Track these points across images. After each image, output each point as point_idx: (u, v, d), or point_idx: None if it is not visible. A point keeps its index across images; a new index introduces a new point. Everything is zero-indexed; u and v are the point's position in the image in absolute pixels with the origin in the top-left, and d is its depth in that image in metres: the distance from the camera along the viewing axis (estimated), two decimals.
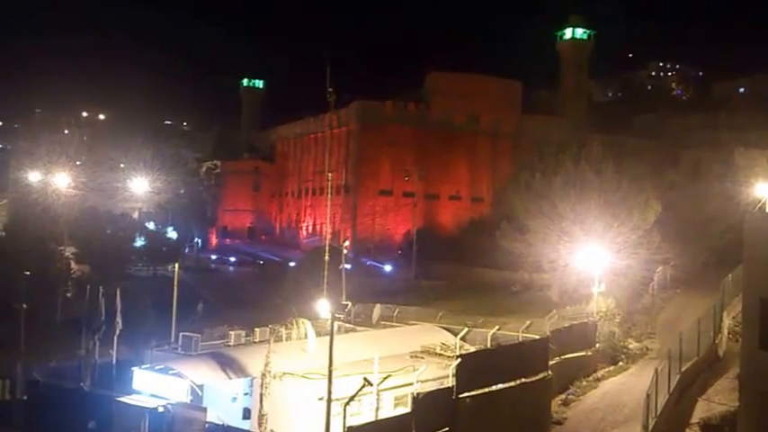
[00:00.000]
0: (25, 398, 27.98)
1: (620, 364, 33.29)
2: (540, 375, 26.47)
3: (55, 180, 54.46)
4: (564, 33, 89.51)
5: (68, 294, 44.68)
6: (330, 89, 41.13)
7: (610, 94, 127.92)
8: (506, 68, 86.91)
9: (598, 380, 31.29)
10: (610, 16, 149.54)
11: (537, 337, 29.12)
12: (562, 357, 29.85)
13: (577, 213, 41.63)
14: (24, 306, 32.32)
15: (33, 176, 61.97)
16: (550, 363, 27.60)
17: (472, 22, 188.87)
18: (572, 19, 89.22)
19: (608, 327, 34.66)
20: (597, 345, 33.15)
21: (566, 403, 28.70)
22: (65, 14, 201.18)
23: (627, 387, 29.94)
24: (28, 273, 35.19)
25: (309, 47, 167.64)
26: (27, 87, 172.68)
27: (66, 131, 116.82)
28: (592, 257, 36.10)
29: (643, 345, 35.76)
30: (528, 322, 31.54)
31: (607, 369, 32.53)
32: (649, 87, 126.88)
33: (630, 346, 35.12)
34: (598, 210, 40.86)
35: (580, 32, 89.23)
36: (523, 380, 25.54)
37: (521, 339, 29.25)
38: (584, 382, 30.68)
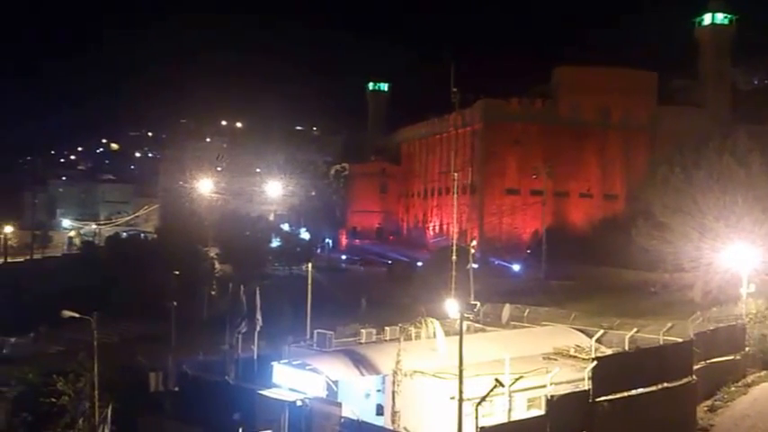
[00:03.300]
0: (176, 389, 29.97)
1: None
2: (684, 380, 25.26)
3: (199, 185, 58.37)
4: (703, 19, 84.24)
5: (213, 293, 47.53)
6: (454, 89, 41.33)
7: (756, 82, 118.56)
8: (639, 58, 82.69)
9: (748, 385, 29.56)
10: None
11: (679, 340, 27.75)
12: (708, 362, 28.36)
13: (722, 209, 39.23)
14: (174, 304, 34.79)
15: (180, 182, 66.78)
16: (695, 367, 26.30)
17: (601, 12, 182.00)
18: (712, 4, 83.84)
19: (758, 330, 32.60)
20: (746, 349, 31.28)
21: (712, 410, 27.29)
22: (199, 34, 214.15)
23: None
24: (177, 272, 37.86)
25: (433, 48, 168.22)
26: (173, 100, 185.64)
27: (207, 140, 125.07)
28: (739, 256, 33.96)
29: None
30: (669, 324, 30.10)
31: (758, 374, 30.76)
32: None
33: None
34: (746, 205, 38.32)
35: (721, 17, 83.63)
36: (665, 385, 24.48)
37: (662, 342, 27.96)
38: (733, 388, 29.07)
